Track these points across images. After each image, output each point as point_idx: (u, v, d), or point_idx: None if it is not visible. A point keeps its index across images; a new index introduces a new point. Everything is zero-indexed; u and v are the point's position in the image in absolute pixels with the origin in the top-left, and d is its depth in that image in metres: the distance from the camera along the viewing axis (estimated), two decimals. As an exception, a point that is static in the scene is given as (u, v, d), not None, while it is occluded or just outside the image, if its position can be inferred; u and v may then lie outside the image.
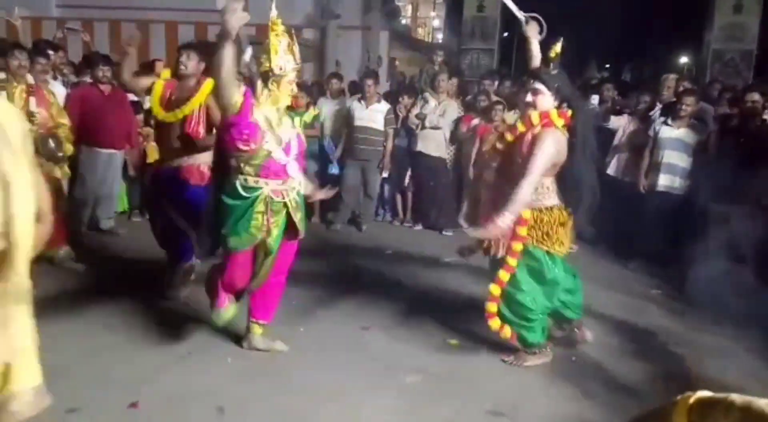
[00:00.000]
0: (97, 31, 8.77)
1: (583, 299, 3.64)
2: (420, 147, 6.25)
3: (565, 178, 3.16)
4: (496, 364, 3.35)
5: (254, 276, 3.04)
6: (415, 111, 6.29)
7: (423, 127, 6.21)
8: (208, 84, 3.68)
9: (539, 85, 3.11)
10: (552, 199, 3.20)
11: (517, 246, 3.22)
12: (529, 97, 3.16)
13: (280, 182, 2.95)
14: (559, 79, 3.18)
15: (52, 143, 4.16)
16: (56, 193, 4.42)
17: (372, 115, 6.07)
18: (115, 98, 5.39)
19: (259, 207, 2.90)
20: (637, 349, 3.70)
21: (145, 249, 4.64)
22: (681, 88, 5.78)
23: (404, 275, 4.79)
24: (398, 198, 6.69)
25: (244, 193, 2.89)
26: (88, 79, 5.60)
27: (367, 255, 5.37)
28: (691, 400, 0.92)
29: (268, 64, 2.89)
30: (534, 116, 3.11)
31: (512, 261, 3.24)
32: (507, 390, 3.07)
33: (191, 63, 3.88)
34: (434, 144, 6.22)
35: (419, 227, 6.45)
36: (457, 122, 6.24)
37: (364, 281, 4.60)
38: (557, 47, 3.28)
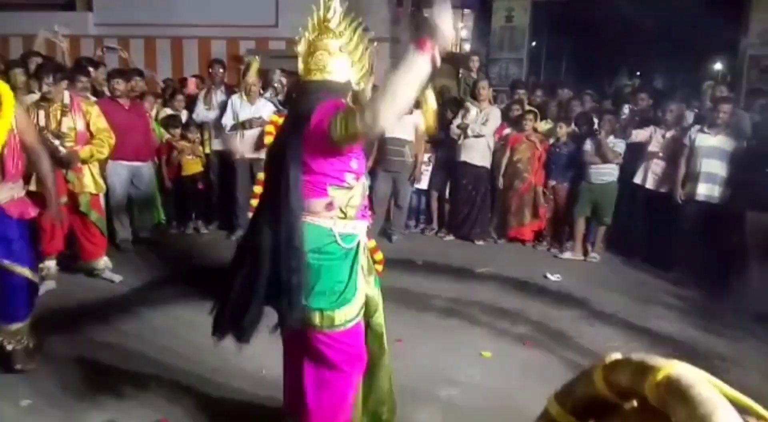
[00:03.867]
0: (133, 48, 9.01)
1: (620, 310, 3.57)
2: (464, 157, 6.17)
3: None
4: (531, 377, 3.30)
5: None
6: (457, 121, 6.25)
7: (465, 137, 6.14)
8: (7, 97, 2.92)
9: None
10: None
11: None
12: None
13: (367, 223, 2.26)
14: None
15: (52, 140, 4.06)
16: (95, 206, 4.55)
17: (402, 126, 6.08)
18: (134, 111, 5.50)
19: (362, 259, 2.19)
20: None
21: (181, 260, 4.73)
22: (717, 95, 5.68)
23: (435, 286, 4.77)
24: (434, 206, 6.65)
25: (344, 245, 2.10)
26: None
27: (398, 266, 5.36)
28: (607, 361, 1.06)
29: (355, 73, 2.19)
30: None
31: None
32: (542, 402, 3.01)
33: None
34: (478, 153, 6.15)
35: (450, 237, 6.42)
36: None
37: (396, 293, 4.59)
38: None
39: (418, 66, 1.76)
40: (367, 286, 2.22)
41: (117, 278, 4.62)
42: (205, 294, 4.15)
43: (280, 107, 5.87)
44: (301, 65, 2.13)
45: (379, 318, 2.33)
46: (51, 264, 4.37)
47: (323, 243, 2.06)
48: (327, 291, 2.05)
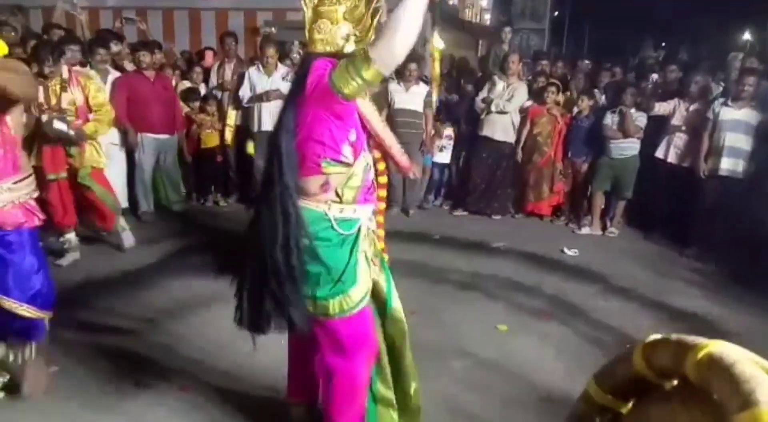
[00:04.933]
0: (150, 20, 8.99)
1: (638, 286, 3.55)
2: (486, 132, 6.07)
3: None
4: (547, 351, 3.32)
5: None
6: (482, 95, 6.14)
7: (489, 112, 6.03)
8: None
9: None
10: None
11: None
12: None
13: (372, 207, 2.10)
14: None
15: (59, 125, 3.95)
16: (100, 180, 4.45)
17: (412, 97, 6.01)
18: (160, 84, 5.50)
19: (363, 245, 2.03)
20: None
21: (201, 232, 4.78)
22: (743, 67, 5.52)
23: (452, 260, 4.78)
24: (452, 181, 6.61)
25: (342, 231, 1.96)
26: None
27: (415, 239, 5.38)
28: (646, 341, 1.09)
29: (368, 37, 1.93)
30: None
31: None
32: (558, 376, 3.04)
33: None
34: (501, 128, 6.04)
35: (461, 212, 6.37)
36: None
37: (412, 266, 4.62)
38: None
39: None
40: (372, 271, 2.08)
41: (128, 243, 4.69)
42: (224, 265, 4.24)
43: None
44: (306, 34, 1.95)
45: (395, 302, 2.22)
46: (71, 236, 4.43)
47: (319, 228, 1.92)
48: (321, 278, 1.93)
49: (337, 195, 1.95)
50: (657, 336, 1.08)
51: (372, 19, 1.90)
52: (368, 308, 2.06)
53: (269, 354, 2.91)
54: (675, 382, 1.07)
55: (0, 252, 2.49)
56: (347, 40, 1.89)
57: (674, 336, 1.04)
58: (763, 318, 3.88)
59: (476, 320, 3.69)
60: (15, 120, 2.52)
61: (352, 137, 1.91)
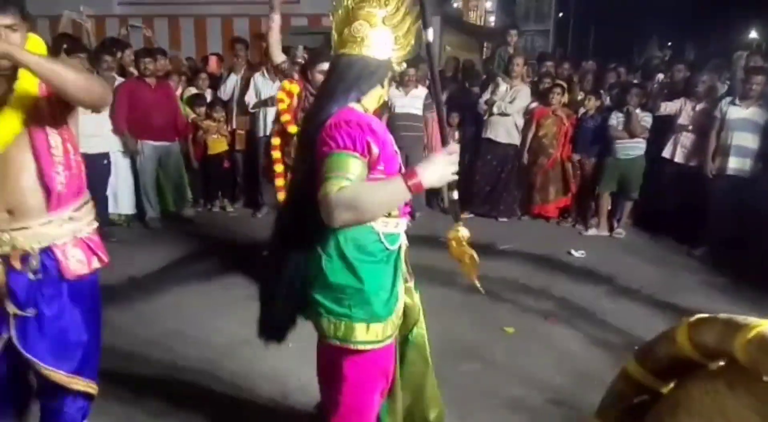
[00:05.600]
0: (156, 27, 9.05)
1: (645, 287, 3.53)
2: (489, 134, 6.10)
3: None
4: (553, 353, 3.31)
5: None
6: (485, 96, 6.16)
7: (491, 114, 6.05)
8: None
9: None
10: None
11: None
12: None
13: (406, 222, 1.96)
14: None
15: None
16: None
17: (411, 101, 6.02)
18: (161, 91, 5.53)
19: (402, 260, 1.92)
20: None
21: (208, 238, 4.79)
22: (750, 66, 5.50)
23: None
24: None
25: (388, 246, 1.82)
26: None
27: (422, 242, 5.35)
28: (691, 320, 1.06)
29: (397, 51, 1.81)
30: None
31: None
32: (566, 378, 3.03)
33: None
34: (504, 130, 6.06)
35: (468, 215, 6.34)
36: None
37: (419, 269, 4.59)
38: None
39: (399, 194, 1.58)
40: (407, 294, 1.97)
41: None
42: (231, 271, 4.26)
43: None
44: (335, 36, 1.81)
45: (421, 328, 2.09)
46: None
47: (366, 242, 1.76)
48: (357, 298, 1.74)
49: None
50: (703, 315, 1.05)
51: (412, 26, 1.80)
52: (395, 341, 1.90)
53: (273, 361, 2.92)
54: (721, 363, 1.03)
55: (53, 310, 1.88)
56: (385, 45, 1.77)
57: (722, 316, 1.01)
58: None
59: (483, 322, 3.68)
60: (76, 131, 1.98)
61: (381, 167, 1.73)
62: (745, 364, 0.91)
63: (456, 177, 1.67)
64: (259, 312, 1.94)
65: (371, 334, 1.76)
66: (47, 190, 1.82)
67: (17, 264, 1.82)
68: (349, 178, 1.55)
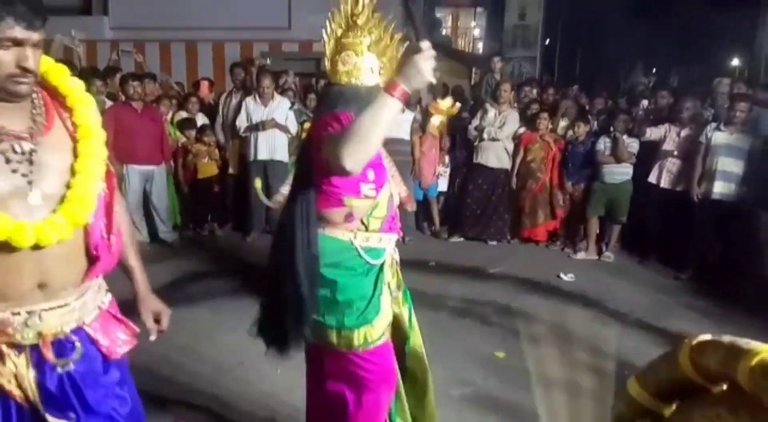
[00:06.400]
0: (148, 52, 9.11)
1: (634, 310, 3.55)
2: (480, 159, 6.17)
3: None
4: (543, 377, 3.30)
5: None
6: (474, 123, 6.24)
7: (481, 139, 6.13)
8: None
9: None
10: None
11: None
12: None
13: (395, 237, 2.04)
14: None
15: None
16: None
17: (399, 125, 6.06)
18: (147, 115, 5.54)
19: (387, 276, 2.00)
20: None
21: (197, 262, 4.77)
22: (734, 92, 5.62)
23: (448, 286, 4.77)
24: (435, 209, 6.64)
25: (370, 260, 1.91)
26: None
27: (411, 267, 5.34)
28: (693, 342, 1.04)
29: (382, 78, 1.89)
30: None
31: None
32: (556, 404, 3.01)
33: None
34: (494, 155, 6.13)
35: (458, 239, 6.37)
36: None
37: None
38: None
39: (389, 108, 1.57)
40: (394, 304, 2.04)
41: None
42: (220, 295, 4.23)
43: (303, 110, 5.91)
44: (327, 65, 1.91)
45: (416, 338, 2.16)
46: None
47: (343, 258, 1.87)
48: (345, 309, 1.87)
49: (363, 224, 1.91)
50: (706, 336, 1.03)
51: (396, 51, 1.89)
52: (389, 341, 1.99)
53: (266, 383, 2.88)
54: (724, 387, 1.02)
55: (102, 406, 1.46)
56: (372, 71, 1.86)
57: (726, 339, 0.99)
58: (760, 341, 3.86)
59: (474, 347, 3.67)
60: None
61: (370, 176, 1.86)
62: (748, 390, 0.91)
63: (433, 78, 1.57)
64: (265, 317, 1.99)
65: (356, 339, 1.88)
66: (92, 258, 1.44)
67: (49, 355, 1.37)
68: None
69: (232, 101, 6.30)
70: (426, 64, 1.54)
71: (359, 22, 1.88)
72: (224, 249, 5.70)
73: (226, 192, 6.39)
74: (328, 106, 1.86)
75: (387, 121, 1.58)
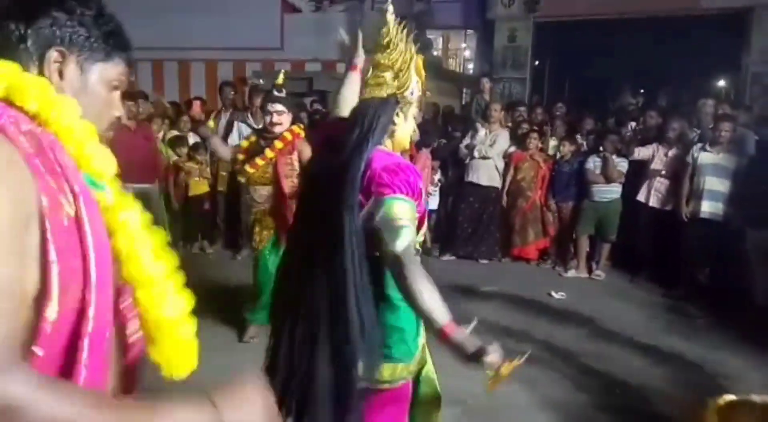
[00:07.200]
0: (140, 71, 9.15)
1: (625, 328, 3.56)
2: (471, 177, 6.23)
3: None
4: (536, 398, 3.29)
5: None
6: (465, 141, 6.31)
7: (472, 158, 6.19)
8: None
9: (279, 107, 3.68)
10: None
11: None
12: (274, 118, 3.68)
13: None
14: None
15: None
16: None
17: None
18: (140, 134, 5.53)
19: None
20: (682, 381, 3.59)
21: (188, 280, 4.72)
22: (719, 113, 5.71)
23: (440, 305, 4.76)
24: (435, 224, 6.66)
25: None
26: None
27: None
28: (721, 402, 1.06)
29: (397, 84, 1.75)
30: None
31: None
32: (547, 422, 3.01)
33: None
34: (485, 173, 6.19)
35: (449, 257, 6.39)
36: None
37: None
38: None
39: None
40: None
41: None
42: (211, 314, 4.19)
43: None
44: (361, 83, 1.90)
45: (430, 364, 2.13)
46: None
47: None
48: (399, 336, 1.83)
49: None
50: (731, 396, 1.04)
51: (408, 62, 1.76)
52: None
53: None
54: None
55: None
56: (386, 83, 1.74)
57: (756, 398, 1.00)
58: (750, 359, 3.88)
59: (464, 366, 3.65)
60: None
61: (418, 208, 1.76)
62: None
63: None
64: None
65: (405, 370, 1.86)
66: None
67: None
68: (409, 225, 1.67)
69: (221, 120, 6.33)
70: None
71: (386, 40, 1.75)
72: (214, 267, 5.67)
73: (217, 210, 6.39)
74: (353, 128, 1.70)
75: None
